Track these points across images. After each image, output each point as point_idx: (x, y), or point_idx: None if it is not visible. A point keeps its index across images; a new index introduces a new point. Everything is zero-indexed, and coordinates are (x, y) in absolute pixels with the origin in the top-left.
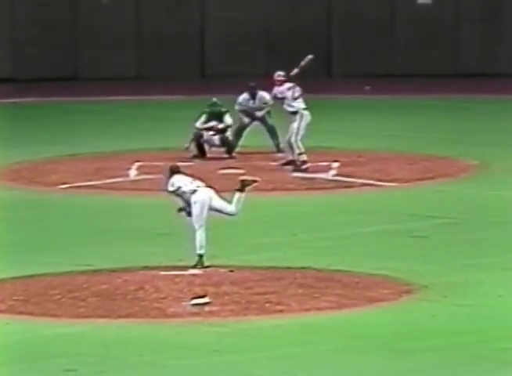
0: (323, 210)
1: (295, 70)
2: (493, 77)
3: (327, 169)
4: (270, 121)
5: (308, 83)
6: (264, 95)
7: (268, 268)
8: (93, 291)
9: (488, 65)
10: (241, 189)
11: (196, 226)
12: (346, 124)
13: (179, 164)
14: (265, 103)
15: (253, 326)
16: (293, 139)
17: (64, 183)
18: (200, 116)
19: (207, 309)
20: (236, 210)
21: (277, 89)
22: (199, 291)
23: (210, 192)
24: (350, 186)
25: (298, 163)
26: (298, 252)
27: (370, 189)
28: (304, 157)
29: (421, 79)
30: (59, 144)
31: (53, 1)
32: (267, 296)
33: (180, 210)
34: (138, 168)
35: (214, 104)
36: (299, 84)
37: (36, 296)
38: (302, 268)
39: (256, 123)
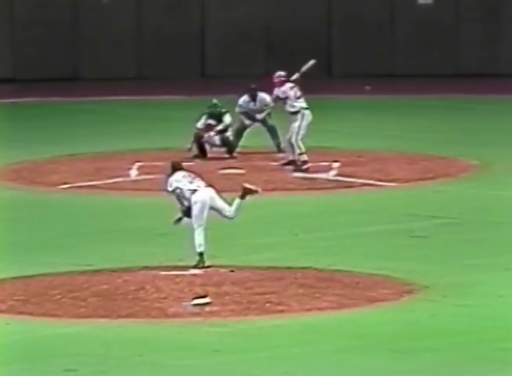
0: (324, 210)
1: (296, 75)
2: (493, 78)
3: (328, 169)
4: (270, 121)
5: (309, 83)
6: (264, 96)
7: (269, 268)
8: (93, 291)
9: (488, 65)
10: (242, 197)
11: (195, 226)
12: (346, 124)
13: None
14: (266, 105)
15: (253, 326)
16: (293, 139)
17: (64, 183)
18: (200, 117)
19: (207, 309)
20: (234, 215)
21: (279, 90)
22: (199, 291)
23: (211, 192)
24: (350, 186)
25: (299, 163)
26: (299, 252)
27: (371, 189)
28: (304, 157)
29: (421, 79)
30: (60, 144)
31: (53, 2)
32: (267, 296)
33: (178, 220)
34: (139, 168)
35: (214, 105)
36: (299, 85)
37: (36, 296)
38: (303, 268)
39: (257, 124)
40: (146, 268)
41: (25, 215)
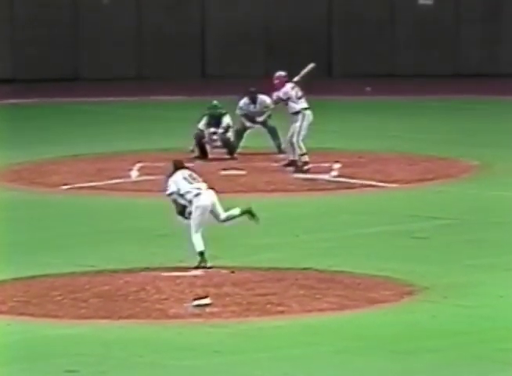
0: (325, 211)
1: (296, 78)
2: (494, 78)
3: (328, 170)
4: (271, 122)
5: (309, 83)
6: (264, 99)
7: (270, 269)
8: (94, 292)
9: (488, 65)
10: (243, 213)
11: (194, 230)
12: (347, 124)
13: None
14: (266, 107)
15: (254, 327)
16: (294, 140)
17: (65, 184)
18: (201, 117)
19: (208, 310)
20: (224, 219)
21: (280, 91)
22: (200, 292)
23: (213, 196)
24: (351, 187)
25: (300, 164)
26: (300, 253)
27: (371, 190)
28: (305, 158)
29: (421, 79)
30: (60, 145)
31: (53, 2)
32: (268, 297)
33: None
34: (140, 169)
35: (214, 107)
36: (300, 86)
37: (37, 297)
38: (304, 269)
39: (257, 125)
40: (146, 269)
41: (26, 215)
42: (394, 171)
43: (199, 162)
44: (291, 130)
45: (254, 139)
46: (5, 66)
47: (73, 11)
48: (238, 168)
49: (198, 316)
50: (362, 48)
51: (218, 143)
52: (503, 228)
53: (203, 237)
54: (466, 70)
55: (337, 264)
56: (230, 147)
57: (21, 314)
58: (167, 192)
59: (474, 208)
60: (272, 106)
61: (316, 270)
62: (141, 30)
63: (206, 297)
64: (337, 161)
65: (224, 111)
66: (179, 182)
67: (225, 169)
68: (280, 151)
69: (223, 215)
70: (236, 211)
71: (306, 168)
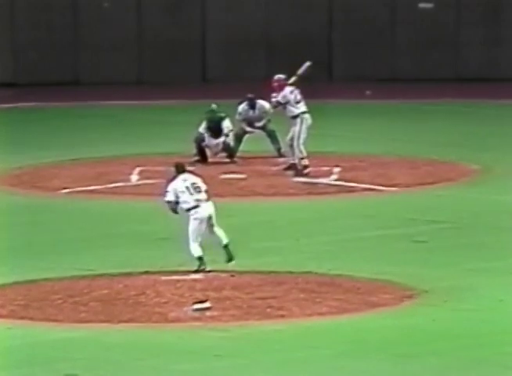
0: (325, 215)
1: (293, 78)
2: (495, 82)
3: (328, 174)
4: (270, 126)
5: (309, 87)
6: (263, 104)
7: (270, 273)
8: (94, 296)
9: (489, 69)
10: (225, 247)
11: (192, 239)
12: (347, 128)
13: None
14: (265, 112)
15: (254, 331)
16: (295, 144)
17: (65, 188)
18: (202, 122)
19: (208, 313)
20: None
21: (279, 94)
22: (200, 295)
23: (211, 208)
24: (351, 190)
25: (300, 167)
26: (300, 257)
27: (371, 193)
28: (305, 162)
29: (422, 83)
30: (60, 149)
31: (54, 6)
32: (268, 301)
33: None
34: (140, 173)
35: (212, 111)
36: (300, 89)
37: (37, 301)
38: (304, 273)
39: (257, 130)
40: (146, 273)
41: (26, 219)
42: (395, 175)
43: (199, 166)
44: (290, 134)
45: (254, 142)
46: (6, 70)
47: (73, 15)
48: (238, 172)
49: (198, 319)
50: (363, 52)
51: (218, 147)
52: (503, 232)
53: (204, 241)
54: (467, 74)
55: (337, 268)
56: (230, 151)
57: (21, 318)
58: (166, 199)
59: (474, 212)
60: (271, 111)
61: (316, 274)
62: (141, 35)
63: (206, 301)
64: (337, 165)
65: (223, 115)
66: (179, 190)
67: (225, 173)
68: (280, 155)
69: (216, 229)
70: (224, 239)
71: (306, 171)
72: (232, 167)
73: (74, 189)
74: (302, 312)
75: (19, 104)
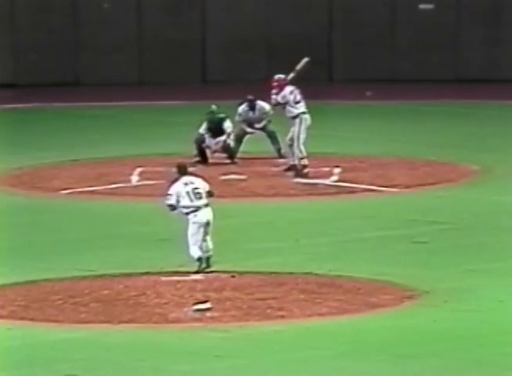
0: (325, 215)
1: (291, 75)
2: (495, 83)
3: (329, 175)
4: (270, 127)
5: (309, 88)
6: (263, 105)
7: (270, 273)
8: (95, 297)
9: (489, 70)
10: (207, 254)
11: (191, 243)
12: (347, 129)
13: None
14: (265, 113)
15: (254, 331)
16: (295, 144)
17: (66, 189)
18: (202, 123)
19: (208, 314)
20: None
21: (278, 95)
22: (200, 296)
23: (209, 215)
24: (351, 191)
25: (299, 167)
26: (300, 258)
27: (372, 194)
28: (305, 162)
29: (422, 84)
30: (61, 149)
31: (54, 6)
32: (268, 301)
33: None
34: (140, 174)
35: (212, 112)
36: (300, 89)
37: (37, 301)
38: (304, 273)
39: (257, 131)
40: (147, 273)
41: (26, 220)
42: (395, 176)
43: (199, 166)
44: (290, 134)
45: (254, 143)
46: (6, 71)
47: (73, 16)
48: (238, 173)
49: (198, 320)
50: (363, 53)
51: (219, 149)
52: (504, 233)
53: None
54: (467, 75)
55: (338, 268)
56: (230, 152)
57: (21, 318)
58: (168, 202)
59: (475, 213)
60: (271, 112)
61: (316, 275)
62: (142, 35)
63: (206, 301)
64: (337, 166)
65: (223, 116)
66: (181, 193)
67: (225, 174)
68: (280, 156)
69: (208, 238)
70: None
71: (305, 171)
72: (232, 168)
73: (75, 190)
74: (302, 312)
75: (20, 105)
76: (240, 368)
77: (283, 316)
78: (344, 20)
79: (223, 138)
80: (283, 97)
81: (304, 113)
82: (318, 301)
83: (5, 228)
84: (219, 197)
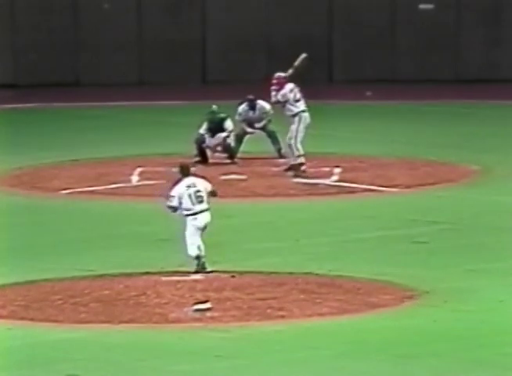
0: (325, 215)
1: (290, 71)
2: (495, 83)
3: (329, 175)
4: (271, 127)
5: (309, 88)
6: (263, 105)
7: (270, 273)
8: (95, 297)
9: (489, 70)
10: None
11: (188, 243)
12: (347, 129)
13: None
14: (265, 113)
15: (255, 331)
16: (292, 142)
17: (66, 189)
18: (203, 123)
19: (208, 314)
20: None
21: (278, 93)
22: (200, 296)
23: (207, 219)
24: (351, 191)
25: (296, 165)
26: (300, 258)
27: (372, 194)
28: (302, 160)
29: (422, 84)
30: (61, 150)
31: (54, 7)
32: (269, 301)
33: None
34: (140, 174)
35: (212, 112)
36: (299, 87)
37: (37, 301)
38: (304, 273)
39: (257, 131)
40: (147, 273)
41: (26, 220)
42: (395, 176)
43: (200, 166)
44: (289, 133)
45: (255, 143)
46: (6, 71)
47: (73, 16)
48: (238, 173)
49: (198, 320)
50: (363, 53)
51: (219, 148)
52: (504, 233)
53: (204, 243)
54: (467, 75)
55: (338, 268)
56: (230, 152)
57: (21, 319)
58: (170, 204)
59: (475, 213)
60: (272, 111)
61: (317, 275)
62: (142, 36)
63: (206, 301)
64: (337, 166)
65: (224, 115)
66: (183, 196)
67: (225, 174)
68: (280, 156)
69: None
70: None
71: (302, 168)
72: (232, 168)
73: (75, 190)
74: (302, 312)
75: (20, 105)
76: (240, 368)
77: (283, 316)
78: (344, 20)
79: (223, 134)
80: (283, 95)
81: (303, 111)
82: (318, 301)
83: (5, 228)
84: (219, 196)
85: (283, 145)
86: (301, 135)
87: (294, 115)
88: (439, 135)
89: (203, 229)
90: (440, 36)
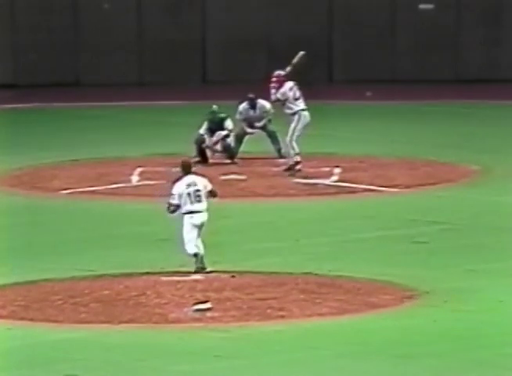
0: (325, 215)
1: (288, 68)
2: (495, 83)
3: (329, 175)
4: (271, 127)
5: (309, 88)
6: (264, 104)
7: (270, 273)
8: (95, 297)
9: (489, 70)
10: (199, 258)
11: (186, 240)
12: (347, 129)
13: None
14: (266, 112)
15: (254, 331)
16: (287, 139)
17: (66, 189)
18: (203, 123)
19: (208, 314)
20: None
21: (278, 91)
22: (200, 296)
23: (204, 218)
24: (351, 191)
25: (292, 163)
26: (300, 258)
27: (372, 194)
28: (297, 158)
29: (422, 84)
30: (61, 150)
31: (54, 7)
32: (269, 302)
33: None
34: (140, 174)
35: (213, 112)
36: (298, 86)
37: (37, 302)
38: (304, 273)
39: (257, 130)
40: (147, 273)
41: (26, 220)
42: (395, 176)
43: (199, 167)
44: (289, 132)
45: (254, 143)
46: (6, 71)
47: (73, 16)
48: (238, 173)
49: (198, 320)
50: (363, 53)
51: (219, 148)
52: (503, 233)
53: (204, 243)
54: (467, 75)
55: (338, 268)
56: (230, 152)
57: (21, 319)
58: (172, 202)
59: (475, 213)
60: (272, 110)
61: (316, 275)
62: (142, 36)
63: (206, 301)
64: (337, 166)
65: (224, 115)
66: (182, 194)
67: (225, 174)
68: (280, 156)
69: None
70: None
71: (297, 167)
72: (232, 168)
73: (75, 190)
74: (302, 312)
75: (20, 105)
76: (240, 368)
77: (283, 316)
78: (344, 20)
79: (224, 133)
80: (283, 94)
81: (303, 110)
82: (318, 301)
83: (5, 228)
84: (219, 196)
85: (282, 145)
86: (296, 134)
87: (294, 113)
88: (439, 135)
89: (200, 226)
90: (440, 36)
